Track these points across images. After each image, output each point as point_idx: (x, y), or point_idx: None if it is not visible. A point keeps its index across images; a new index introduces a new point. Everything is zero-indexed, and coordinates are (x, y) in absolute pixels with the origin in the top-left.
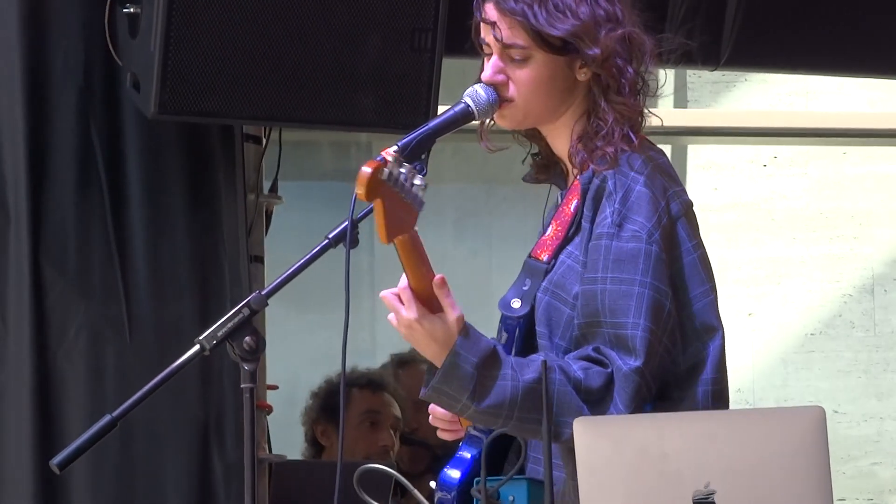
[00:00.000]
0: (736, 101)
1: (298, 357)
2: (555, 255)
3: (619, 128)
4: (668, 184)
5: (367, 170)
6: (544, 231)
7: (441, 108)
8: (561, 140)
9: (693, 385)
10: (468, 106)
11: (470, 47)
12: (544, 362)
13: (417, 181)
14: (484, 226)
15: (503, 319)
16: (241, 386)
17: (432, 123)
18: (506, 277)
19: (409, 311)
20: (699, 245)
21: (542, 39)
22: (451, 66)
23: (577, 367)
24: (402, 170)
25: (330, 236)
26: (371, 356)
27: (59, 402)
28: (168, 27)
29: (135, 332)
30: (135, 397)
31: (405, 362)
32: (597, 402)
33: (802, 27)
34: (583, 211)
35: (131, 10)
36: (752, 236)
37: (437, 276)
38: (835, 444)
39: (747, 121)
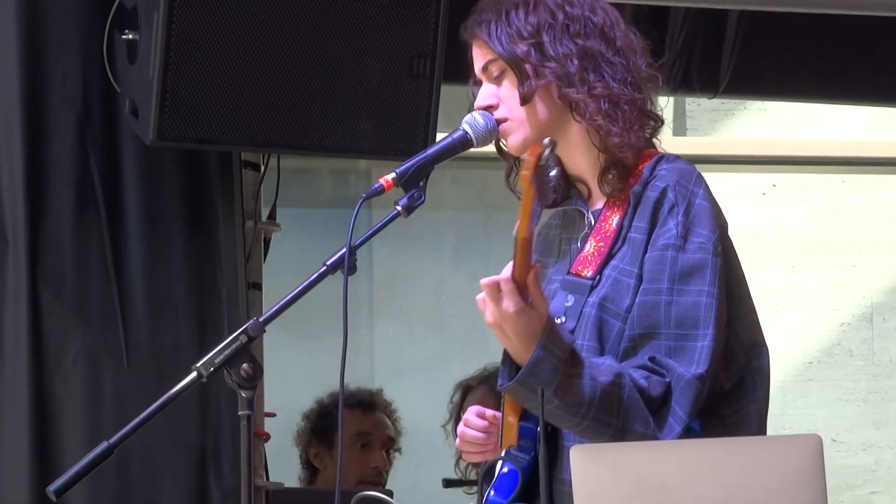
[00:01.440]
0: (735, 130)
1: (296, 384)
2: (599, 271)
3: (626, 150)
4: (715, 201)
5: (531, 157)
6: (581, 248)
7: (440, 136)
8: (577, 159)
9: (742, 401)
10: (466, 133)
11: (469, 74)
12: (619, 373)
13: (553, 172)
14: (482, 251)
15: None
16: (239, 413)
17: (430, 150)
18: None
19: (510, 303)
20: (740, 264)
21: (503, 50)
22: (449, 93)
23: (638, 376)
24: (551, 161)
25: (328, 263)
26: (369, 382)
27: (57, 428)
28: (167, 54)
29: (132, 358)
30: (132, 424)
31: (470, 388)
32: (656, 410)
33: (801, 55)
34: (631, 224)
35: (130, 36)
36: (751, 264)
37: (535, 266)
38: (832, 473)
39: (746, 149)
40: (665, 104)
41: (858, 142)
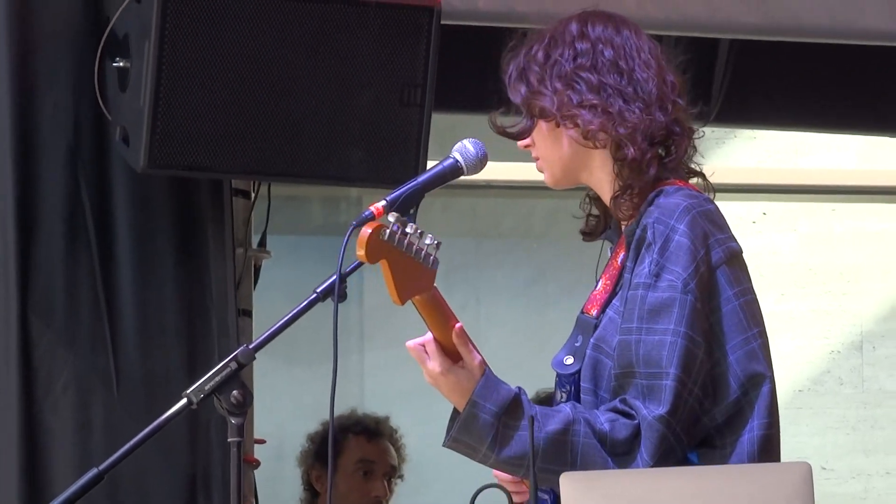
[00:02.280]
0: (725, 158)
1: (286, 411)
2: (602, 310)
3: (637, 179)
4: (710, 230)
5: (366, 231)
6: (595, 286)
7: (430, 163)
8: (605, 192)
9: (738, 432)
10: (457, 161)
11: (459, 103)
12: (571, 420)
13: (428, 240)
14: (472, 280)
15: (559, 377)
16: (229, 440)
17: (421, 178)
18: (493, 331)
19: (434, 364)
20: (743, 292)
21: (515, 92)
22: (440, 121)
23: (603, 419)
24: (408, 230)
25: (318, 290)
26: (359, 409)
27: (46, 455)
28: (158, 82)
29: (122, 385)
30: (122, 450)
31: None
32: (623, 454)
33: (791, 84)
34: (626, 263)
35: (121, 63)
36: None
37: (457, 326)
38: (822, 501)
39: (736, 177)
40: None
41: (849, 170)
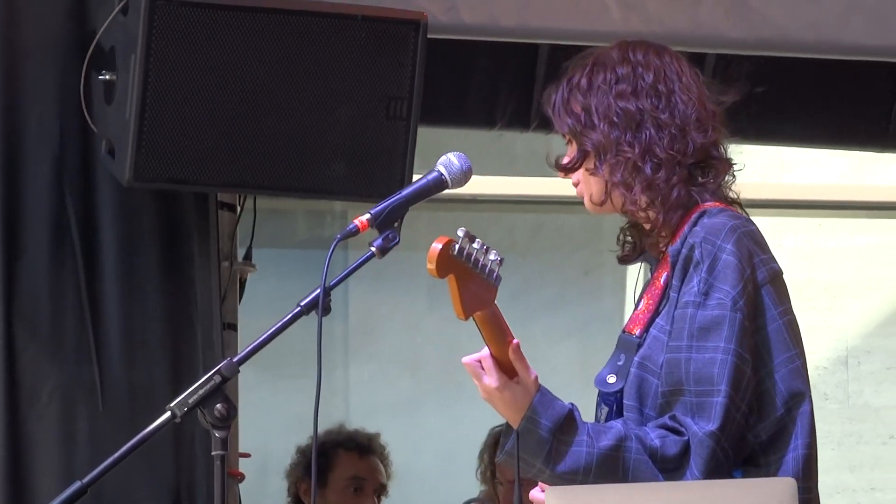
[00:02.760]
0: None
1: (271, 425)
2: (646, 329)
3: (664, 204)
4: (754, 250)
5: (437, 246)
6: (636, 306)
7: (415, 177)
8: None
9: (782, 450)
10: (441, 174)
11: (445, 117)
12: (624, 436)
13: (492, 256)
14: None
15: (601, 395)
16: (213, 453)
17: (405, 192)
18: (477, 345)
19: (491, 380)
20: (786, 311)
21: (559, 121)
22: (425, 135)
23: (654, 436)
24: (475, 245)
25: (302, 304)
26: (344, 423)
27: (30, 466)
28: (143, 95)
29: (107, 397)
30: (106, 463)
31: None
32: (673, 469)
33: (776, 99)
34: (671, 282)
35: (107, 77)
36: None
37: (514, 342)
38: None
39: None
40: None
41: (834, 186)
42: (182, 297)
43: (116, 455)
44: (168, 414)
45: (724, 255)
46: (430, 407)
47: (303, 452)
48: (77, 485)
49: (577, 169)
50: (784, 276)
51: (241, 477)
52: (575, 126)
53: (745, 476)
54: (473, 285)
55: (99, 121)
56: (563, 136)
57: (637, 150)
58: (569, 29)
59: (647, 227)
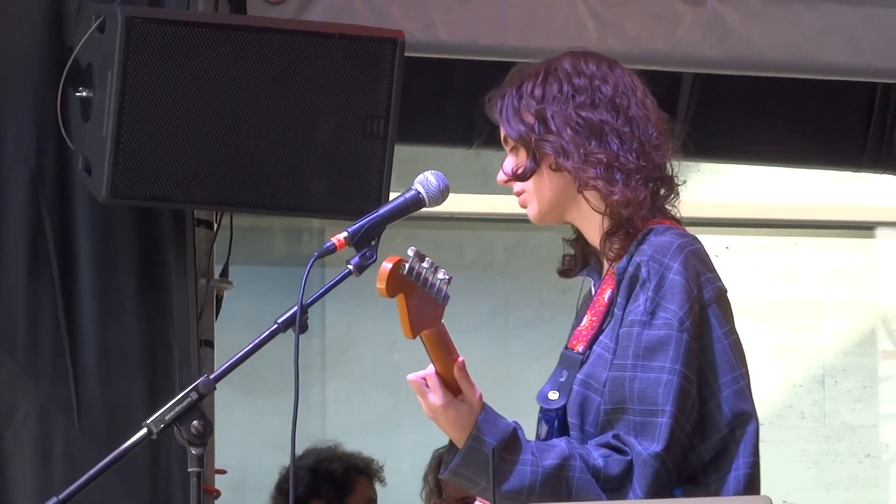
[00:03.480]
0: (688, 192)
1: (247, 442)
2: (589, 346)
3: (629, 220)
4: (701, 269)
5: (387, 265)
6: (579, 322)
7: (393, 195)
8: (589, 230)
9: (724, 469)
10: (419, 193)
11: (423, 134)
12: (568, 455)
13: (441, 275)
14: None
15: (542, 412)
16: (189, 470)
17: (382, 210)
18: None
19: (436, 398)
20: (731, 332)
21: (508, 127)
22: (402, 153)
23: (597, 455)
24: (424, 264)
25: (279, 321)
26: (321, 441)
27: (6, 484)
28: (120, 112)
29: (83, 414)
30: (82, 480)
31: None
32: (615, 489)
33: (754, 119)
34: (616, 299)
35: (84, 93)
36: None
37: (459, 360)
38: None
39: (699, 211)
40: None
41: (811, 205)
42: (159, 314)
43: (92, 471)
44: (144, 431)
45: (670, 275)
46: (407, 425)
47: (309, 470)
48: (53, 501)
49: (529, 177)
50: (729, 295)
51: (217, 493)
52: (528, 134)
53: (685, 495)
54: (422, 304)
55: (76, 137)
56: (508, 144)
57: (605, 158)
58: (546, 48)
59: (600, 235)
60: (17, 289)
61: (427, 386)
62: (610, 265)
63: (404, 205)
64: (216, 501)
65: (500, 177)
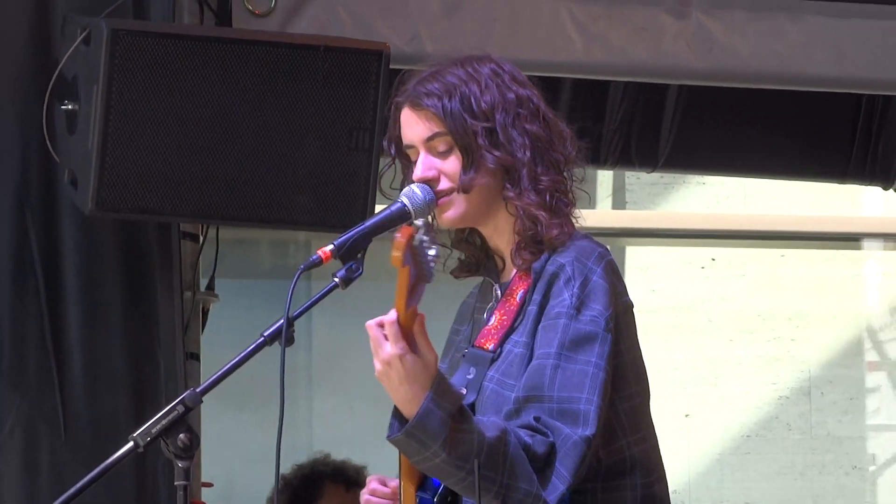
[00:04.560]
0: (674, 203)
1: (234, 455)
2: (500, 344)
3: (547, 227)
4: (616, 281)
5: (400, 236)
6: (487, 321)
7: (378, 207)
8: (500, 238)
9: (617, 481)
10: (404, 205)
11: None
12: (504, 429)
13: (432, 252)
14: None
15: None
16: (175, 483)
17: (368, 223)
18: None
19: (395, 346)
20: (636, 345)
21: (455, 129)
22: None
23: (523, 433)
24: (426, 238)
25: (265, 334)
26: (308, 454)
27: None
28: (106, 125)
29: (69, 428)
30: (68, 493)
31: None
32: (540, 469)
33: (740, 130)
34: (530, 297)
35: (69, 106)
36: (690, 337)
37: (419, 314)
38: None
39: (685, 223)
40: (603, 178)
41: (797, 216)
42: (144, 328)
43: (79, 485)
44: (131, 444)
45: (594, 278)
46: None
47: (287, 482)
48: None
49: (472, 189)
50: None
51: None
52: (474, 141)
53: (572, 500)
54: (418, 279)
55: (61, 150)
56: (437, 144)
57: (540, 171)
58: (531, 60)
59: (511, 243)
60: (2, 301)
61: (384, 336)
62: (517, 270)
63: (390, 217)
64: None
65: (428, 174)
